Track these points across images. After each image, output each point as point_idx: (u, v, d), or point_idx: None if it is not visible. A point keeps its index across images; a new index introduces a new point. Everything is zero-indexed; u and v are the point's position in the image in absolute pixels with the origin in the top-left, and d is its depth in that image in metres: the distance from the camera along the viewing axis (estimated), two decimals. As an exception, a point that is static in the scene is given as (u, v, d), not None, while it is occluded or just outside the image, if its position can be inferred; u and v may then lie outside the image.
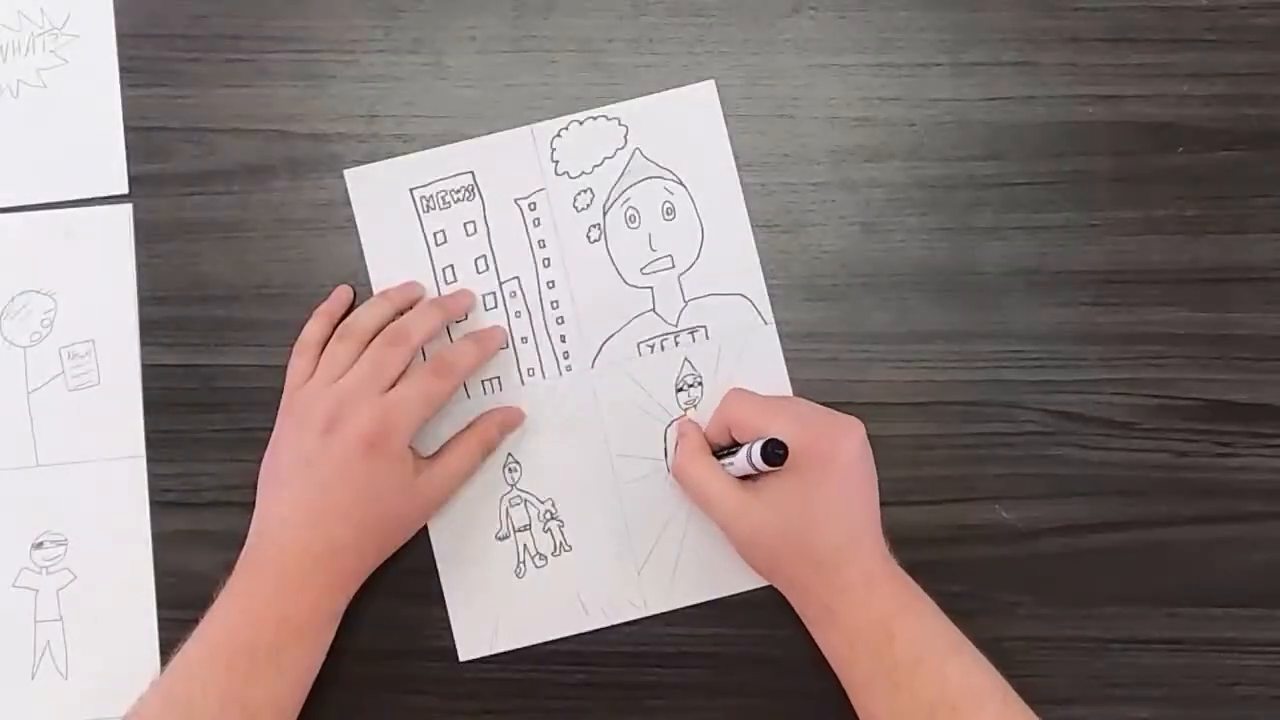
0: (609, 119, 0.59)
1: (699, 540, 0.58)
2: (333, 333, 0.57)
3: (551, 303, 0.59)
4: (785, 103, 0.59)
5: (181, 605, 0.58)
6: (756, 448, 0.50)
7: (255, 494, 0.58)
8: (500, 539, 0.58)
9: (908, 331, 0.58)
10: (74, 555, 0.58)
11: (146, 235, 0.59)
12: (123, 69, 0.60)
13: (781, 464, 0.50)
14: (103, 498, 0.58)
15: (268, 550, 0.53)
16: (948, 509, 0.58)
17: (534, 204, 0.59)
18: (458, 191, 0.59)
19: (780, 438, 0.50)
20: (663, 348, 0.59)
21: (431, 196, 0.59)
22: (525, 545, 0.58)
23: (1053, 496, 0.58)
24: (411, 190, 0.59)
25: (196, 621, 0.57)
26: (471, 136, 0.59)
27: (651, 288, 0.59)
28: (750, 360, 0.58)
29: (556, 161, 0.59)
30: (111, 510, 0.58)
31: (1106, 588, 0.58)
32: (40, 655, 0.58)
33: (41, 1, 0.60)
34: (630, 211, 0.59)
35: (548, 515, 0.58)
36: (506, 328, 0.59)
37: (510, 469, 0.58)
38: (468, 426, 0.58)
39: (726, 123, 0.59)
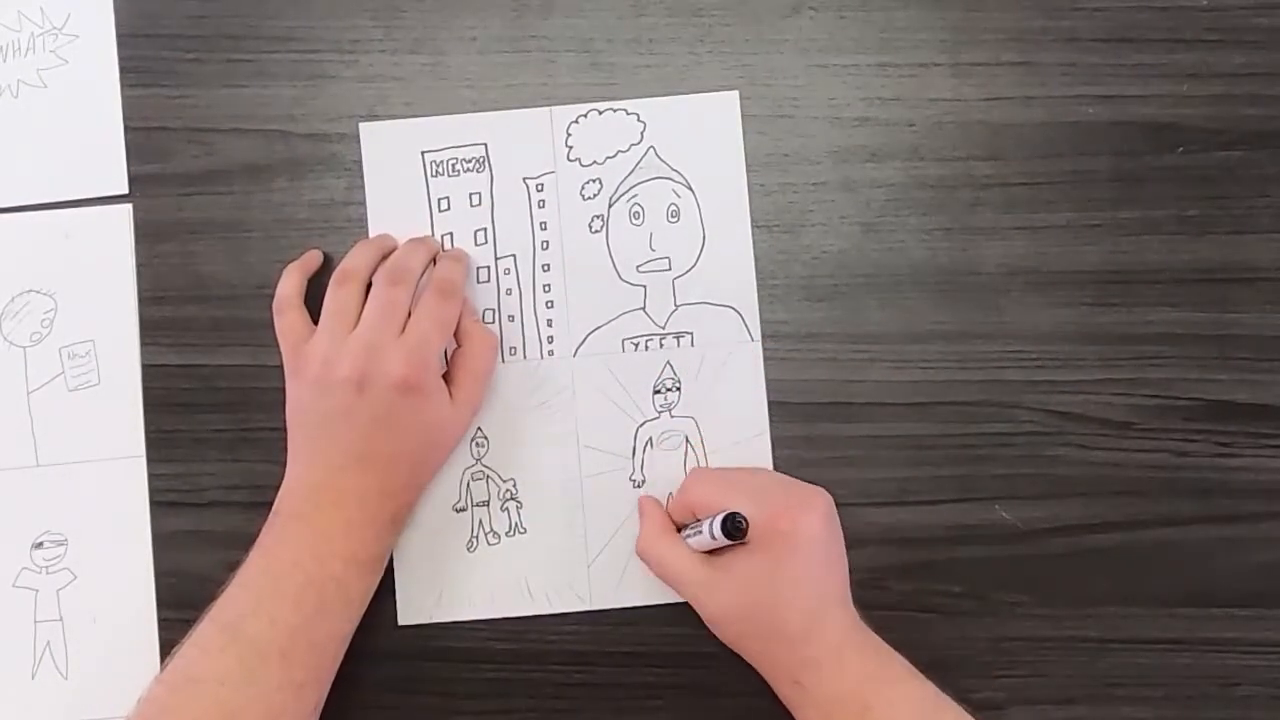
0: (629, 113, 0.59)
1: None
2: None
3: (544, 285, 0.59)
4: (785, 103, 0.59)
5: (181, 605, 0.58)
6: (717, 523, 0.50)
7: (256, 494, 0.58)
8: (457, 511, 0.58)
9: (907, 331, 0.58)
10: (74, 555, 0.58)
11: (146, 235, 0.59)
12: (123, 69, 0.60)
13: (743, 538, 0.50)
14: (103, 498, 0.58)
15: (326, 495, 0.53)
16: (948, 509, 0.58)
17: (541, 185, 0.59)
18: (469, 161, 0.59)
19: (743, 506, 0.51)
20: (646, 347, 0.59)
21: (442, 162, 0.59)
22: (481, 521, 0.58)
23: (1052, 496, 0.58)
24: (423, 153, 0.59)
25: (194, 621, 0.57)
26: (471, 136, 0.59)
27: (645, 287, 0.59)
28: (731, 374, 0.58)
29: (570, 147, 0.59)
30: (111, 510, 0.58)
31: (1106, 588, 0.57)
32: (40, 655, 0.58)
33: (42, 2, 0.60)
34: (635, 208, 0.59)
35: (508, 495, 0.58)
36: (496, 303, 0.59)
37: (478, 443, 0.58)
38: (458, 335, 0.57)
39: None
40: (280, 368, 0.58)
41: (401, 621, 0.58)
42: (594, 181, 0.59)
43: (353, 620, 0.54)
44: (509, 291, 0.59)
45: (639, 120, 0.59)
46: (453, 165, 0.59)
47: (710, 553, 0.53)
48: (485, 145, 0.59)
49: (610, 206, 0.59)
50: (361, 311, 0.55)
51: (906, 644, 0.53)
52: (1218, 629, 0.58)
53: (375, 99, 0.60)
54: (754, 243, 0.59)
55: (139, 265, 0.59)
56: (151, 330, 0.59)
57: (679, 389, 0.58)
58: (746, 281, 0.59)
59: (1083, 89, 0.59)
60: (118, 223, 0.59)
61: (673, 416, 0.58)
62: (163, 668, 0.51)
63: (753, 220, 0.59)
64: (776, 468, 0.58)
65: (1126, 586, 0.58)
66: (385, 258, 0.57)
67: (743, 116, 0.59)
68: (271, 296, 0.58)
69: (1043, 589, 0.57)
